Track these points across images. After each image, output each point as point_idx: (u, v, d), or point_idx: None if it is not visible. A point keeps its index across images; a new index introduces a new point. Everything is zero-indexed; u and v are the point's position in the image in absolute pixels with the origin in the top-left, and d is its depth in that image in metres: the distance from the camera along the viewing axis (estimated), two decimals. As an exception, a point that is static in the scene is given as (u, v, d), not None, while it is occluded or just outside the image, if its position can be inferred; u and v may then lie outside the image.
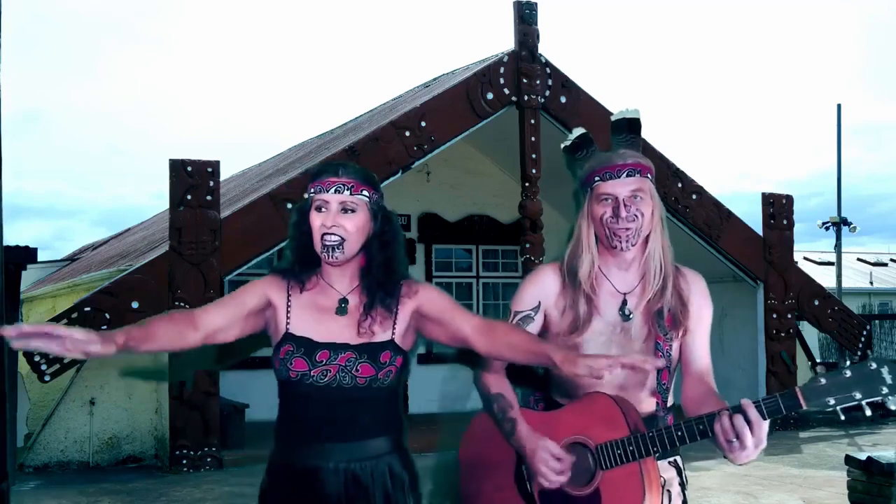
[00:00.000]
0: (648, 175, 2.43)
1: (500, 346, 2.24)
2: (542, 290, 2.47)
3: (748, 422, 2.08)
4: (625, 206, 2.37)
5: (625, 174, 2.39)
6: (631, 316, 2.41)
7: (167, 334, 2.23)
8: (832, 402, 2.07)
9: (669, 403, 2.43)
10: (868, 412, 2.09)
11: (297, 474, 2.31)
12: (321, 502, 2.28)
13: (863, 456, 6.21)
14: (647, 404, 2.39)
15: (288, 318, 2.33)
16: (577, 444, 2.32)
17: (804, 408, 2.09)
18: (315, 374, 2.27)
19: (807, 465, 8.70)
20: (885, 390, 2.05)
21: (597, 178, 2.42)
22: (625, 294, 2.43)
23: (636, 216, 2.38)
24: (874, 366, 2.07)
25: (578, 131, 2.59)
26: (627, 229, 2.37)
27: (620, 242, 2.38)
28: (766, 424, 2.10)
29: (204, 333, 2.27)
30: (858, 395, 2.05)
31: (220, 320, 2.30)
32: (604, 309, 2.41)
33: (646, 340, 2.40)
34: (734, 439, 2.09)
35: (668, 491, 2.39)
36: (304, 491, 2.29)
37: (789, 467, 8.62)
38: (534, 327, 2.46)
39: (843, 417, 2.09)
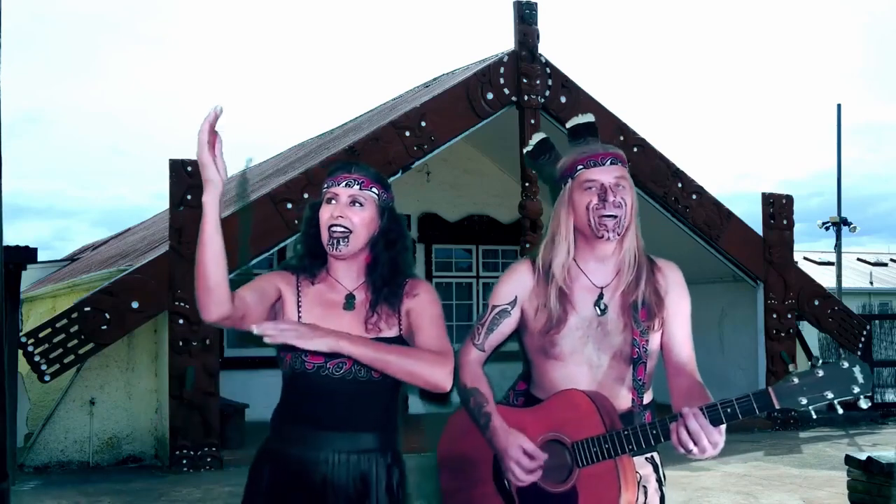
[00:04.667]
0: (626, 166, 2.46)
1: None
2: (517, 285, 2.47)
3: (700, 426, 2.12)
4: (611, 191, 2.37)
5: (608, 162, 2.41)
6: (606, 310, 2.40)
7: (227, 285, 2.19)
8: (804, 401, 2.08)
9: (647, 399, 2.43)
10: (840, 410, 2.11)
11: (300, 463, 2.32)
12: (326, 491, 2.30)
13: (863, 456, 6.21)
14: (624, 400, 2.39)
15: (299, 312, 2.36)
16: (553, 440, 2.32)
17: (777, 407, 2.11)
18: (331, 366, 2.29)
19: (807, 465, 8.70)
20: (856, 389, 2.07)
21: (580, 167, 2.42)
22: (601, 288, 2.42)
23: (621, 203, 2.38)
24: (846, 365, 2.08)
25: (539, 136, 2.62)
26: (614, 217, 2.36)
27: (607, 231, 2.37)
28: (722, 427, 2.13)
29: (240, 314, 2.25)
30: (830, 395, 2.07)
31: (251, 305, 2.29)
32: (579, 304, 2.40)
33: (622, 334, 2.40)
34: (693, 448, 2.12)
35: (645, 487, 2.39)
36: (309, 479, 2.31)
37: (789, 467, 8.63)
38: (511, 322, 2.47)
39: (814, 416, 2.11)
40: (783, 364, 11.75)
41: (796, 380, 2.10)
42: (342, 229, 2.33)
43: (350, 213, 2.34)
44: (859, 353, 12.63)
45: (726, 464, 8.47)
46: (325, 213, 2.36)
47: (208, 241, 2.18)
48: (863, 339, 12.66)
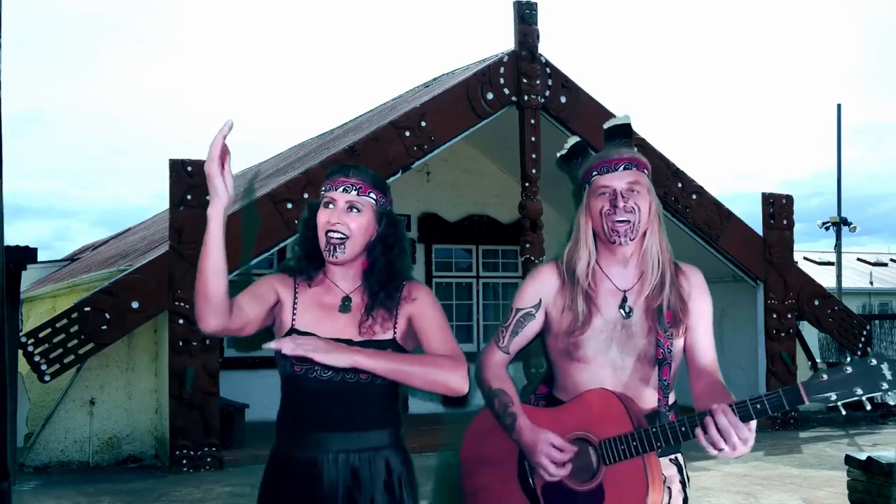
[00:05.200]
0: (645, 171, 2.46)
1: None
2: (542, 287, 2.49)
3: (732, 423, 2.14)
4: (622, 197, 2.39)
5: (622, 167, 2.43)
6: (631, 313, 2.42)
7: (226, 297, 2.23)
8: (834, 397, 2.12)
9: (671, 400, 2.45)
10: (868, 407, 2.16)
11: (297, 464, 2.34)
12: (320, 491, 2.31)
13: (863, 456, 6.21)
14: (649, 400, 2.41)
15: (294, 313, 2.38)
16: (579, 439, 2.33)
17: (806, 402, 2.14)
18: (318, 367, 2.29)
19: (807, 465, 8.70)
20: (885, 385, 2.10)
21: (594, 173, 2.45)
22: (625, 291, 2.44)
23: (634, 208, 2.39)
24: (874, 362, 2.12)
25: (573, 140, 2.64)
26: (627, 222, 2.38)
27: (619, 237, 2.39)
28: (752, 423, 2.16)
29: (239, 324, 2.29)
30: (859, 391, 2.11)
31: (250, 314, 2.32)
32: (604, 306, 2.42)
33: (647, 337, 2.41)
34: (724, 446, 2.14)
35: (669, 488, 2.41)
36: (304, 480, 2.33)
37: (789, 467, 8.63)
38: (535, 325, 2.49)
39: (843, 412, 2.16)
40: (783, 364, 11.76)
41: (825, 376, 2.13)
42: (339, 235, 2.34)
43: (347, 218, 2.35)
44: (859, 353, 12.63)
45: (726, 464, 8.47)
46: (323, 218, 2.37)
47: (210, 253, 2.21)
48: (863, 339, 12.67)
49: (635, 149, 2.55)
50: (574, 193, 2.54)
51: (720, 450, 2.15)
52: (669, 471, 2.43)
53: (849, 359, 2.15)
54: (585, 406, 2.35)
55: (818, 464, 8.75)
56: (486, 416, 2.49)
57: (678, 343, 2.44)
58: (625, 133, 2.56)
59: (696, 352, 2.46)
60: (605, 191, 2.41)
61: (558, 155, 2.64)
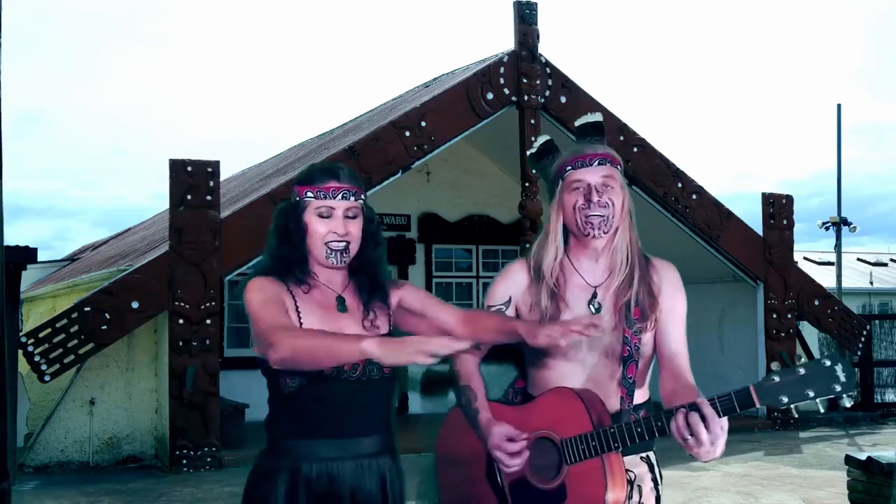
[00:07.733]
0: (618, 167, 2.47)
1: (480, 332, 2.32)
2: (511, 284, 2.50)
3: (703, 418, 2.09)
4: (597, 191, 2.39)
5: (596, 162, 2.42)
6: (600, 309, 2.41)
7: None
8: (785, 399, 2.08)
9: (641, 398, 2.43)
10: (822, 409, 2.11)
11: (327, 478, 2.25)
12: (355, 500, 2.27)
13: (863, 456, 6.21)
14: (614, 398, 2.39)
15: (299, 318, 2.30)
16: (543, 438, 2.33)
17: (757, 405, 2.11)
18: (347, 368, 2.25)
19: (807, 465, 8.70)
20: (837, 388, 2.05)
21: (568, 168, 2.44)
22: (595, 287, 2.44)
23: (608, 203, 2.39)
24: (828, 363, 2.08)
25: (543, 138, 2.64)
26: (600, 216, 2.38)
27: (593, 229, 2.39)
28: (723, 421, 2.11)
29: None
30: (811, 394, 2.07)
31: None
32: (572, 303, 2.42)
33: (614, 333, 2.40)
34: (689, 436, 2.10)
35: (640, 486, 2.39)
36: (336, 492, 2.25)
37: (789, 467, 8.63)
38: None
39: (796, 415, 2.17)
40: (783, 364, 11.73)
41: (777, 378, 2.10)
42: (344, 243, 2.32)
43: (349, 226, 2.33)
44: (859, 352, 12.63)
45: (726, 464, 8.48)
46: (322, 228, 2.32)
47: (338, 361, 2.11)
48: (863, 339, 12.66)
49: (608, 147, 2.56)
50: (548, 190, 2.53)
51: (685, 440, 2.12)
52: (640, 469, 2.41)
53: (803, 359, 2.10)
54: (548, 405, 2.35)
55: (818, 464, 8.75)
56: (459, 414, 2.49)
57: (647, 341, 2.42)
58: (597, 131, 2.56)
59: (665, 349, 2.43)
60: (580, 185, 2.41)
61: (528, 153, 2.65)
